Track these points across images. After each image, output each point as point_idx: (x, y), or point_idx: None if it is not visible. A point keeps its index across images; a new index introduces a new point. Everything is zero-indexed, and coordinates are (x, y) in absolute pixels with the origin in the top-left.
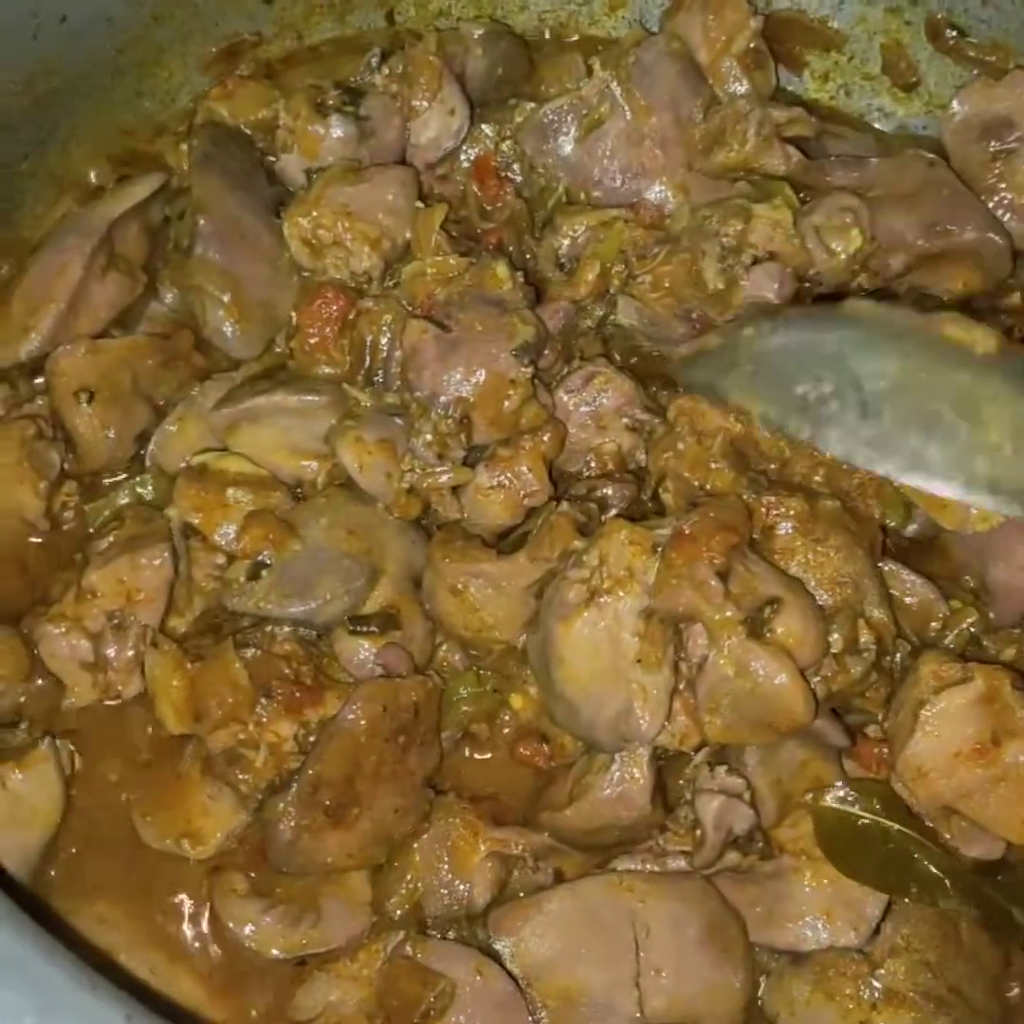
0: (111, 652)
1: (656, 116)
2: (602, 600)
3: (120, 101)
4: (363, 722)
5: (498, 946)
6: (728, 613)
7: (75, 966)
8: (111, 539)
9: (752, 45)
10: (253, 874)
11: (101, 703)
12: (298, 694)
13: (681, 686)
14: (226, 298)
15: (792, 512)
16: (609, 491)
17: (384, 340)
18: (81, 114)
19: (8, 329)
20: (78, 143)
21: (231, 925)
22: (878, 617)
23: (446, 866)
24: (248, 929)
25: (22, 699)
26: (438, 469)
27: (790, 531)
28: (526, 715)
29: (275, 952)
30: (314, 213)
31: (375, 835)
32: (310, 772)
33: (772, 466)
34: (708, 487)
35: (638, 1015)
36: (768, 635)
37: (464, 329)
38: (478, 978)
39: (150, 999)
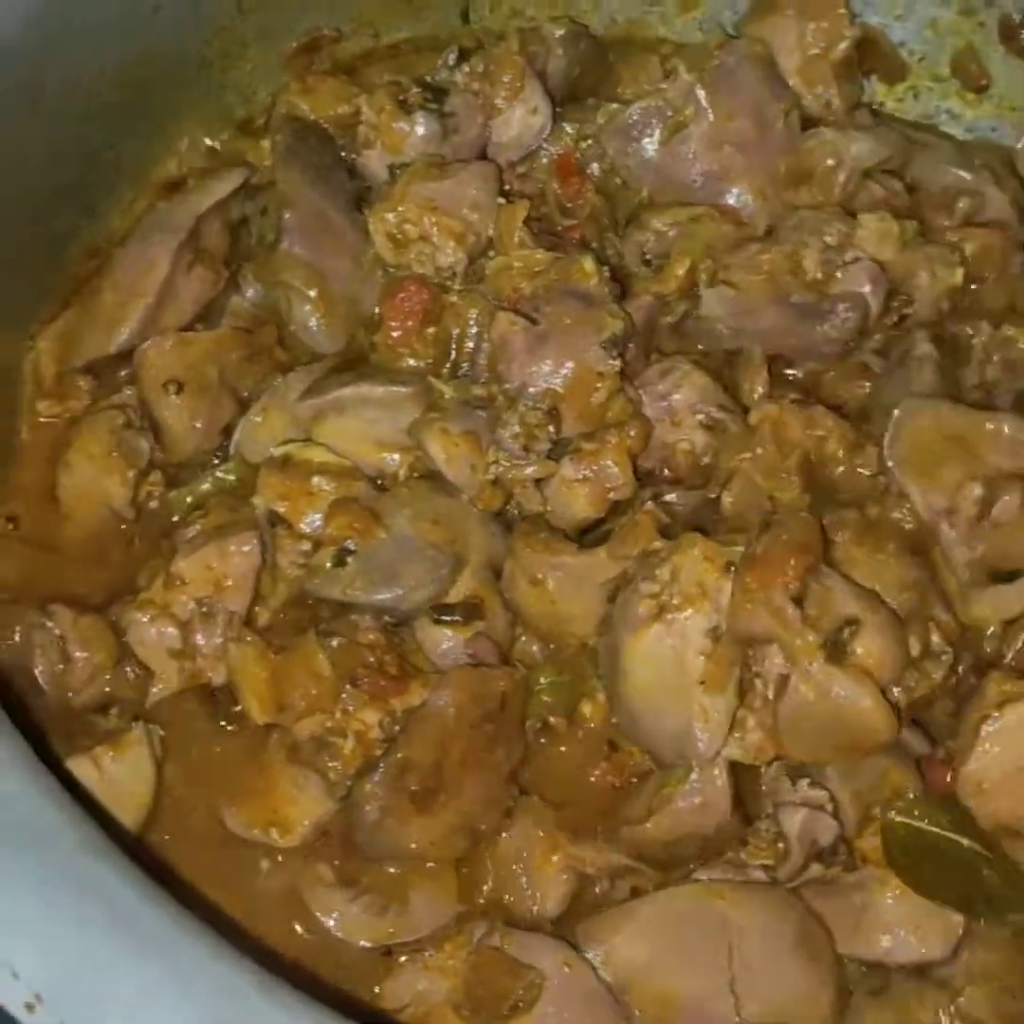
0: (199, 639)
1: (738, 120)
2: (670, 617)
3: (203, 93)
4: (452, 709)
5: (589, 956)
6: (809, 639)
7: (208, 936)
8: (198, 527)
9: (844, 54)
10: (337, 863)
11: (188, 691)
12: (383, 682)
13: (758, 704)
14: (312, 293)
15: (849, 523)
16: (674, 498)
17: (471, 333)
18: (167, 106)
19: (98, 321)
20: (161, 135)
21: (319, 914)
22: (945, 619)
23: (521, 869)
24: (335, 918)
25: (107, 689)
26: (523, 462)
27: (848, 541)
28: (596, 722)
29: (362, 942)
30: (400, 208)
31: (459, 824)
32: (398, 755)
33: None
34: (774, 496)
35: (737, 1020)
36: (849, 655)
37: (552, 322)
38: (567, 969)
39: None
